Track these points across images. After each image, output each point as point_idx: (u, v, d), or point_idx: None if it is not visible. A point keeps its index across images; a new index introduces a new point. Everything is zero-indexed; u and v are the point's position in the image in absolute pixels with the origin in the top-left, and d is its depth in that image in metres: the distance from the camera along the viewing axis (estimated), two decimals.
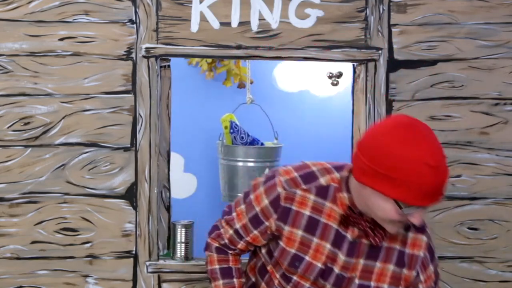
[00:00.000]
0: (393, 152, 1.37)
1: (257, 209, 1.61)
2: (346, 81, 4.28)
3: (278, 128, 3.54)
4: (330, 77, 4.37)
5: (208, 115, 3.86)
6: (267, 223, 1.60)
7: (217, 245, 1.74)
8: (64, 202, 2.50)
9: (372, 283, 1.55)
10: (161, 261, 2.52)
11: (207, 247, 1.78)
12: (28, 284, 2.50)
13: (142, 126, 2.51)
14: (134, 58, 2.51)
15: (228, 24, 2.52)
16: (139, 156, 2.51)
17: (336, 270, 1.55)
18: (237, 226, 1.67)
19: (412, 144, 1.38)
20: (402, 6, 2.56)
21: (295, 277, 1.59)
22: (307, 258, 1.55)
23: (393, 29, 2.55)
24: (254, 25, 2.53)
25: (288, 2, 2.52)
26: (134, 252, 2.51)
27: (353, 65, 2.62)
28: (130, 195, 2.51)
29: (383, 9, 2.55)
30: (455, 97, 2.57)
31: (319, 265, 1.54)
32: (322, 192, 1.54)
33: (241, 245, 1.69)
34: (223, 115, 3.75)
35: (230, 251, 1.73)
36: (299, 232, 1.55)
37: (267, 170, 3.00)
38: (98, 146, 2.51)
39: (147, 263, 2.50)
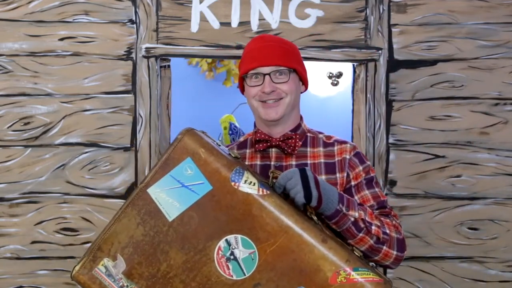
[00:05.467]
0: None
1: None
2: (346, 81, 4.29)
3: None
4: (330, 77, 4.37)
5: (208, 115, 3.87)
6: None
7: None
8: (64, 202, 2.51)
9: None
10: None
11: None
12: (28, 284, 2.50)
13: (142, 126, 2.51)
14: (134, 58, 2.51)
15: (228, 24, 2.53)
16: (139, 156, 2.51)
17: None
18: None
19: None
20: (402, 6, 2.56)
21: None
22: None
23: (393, 29, 2.56)
24: (254, 25, 2.53)
25: (288, 2, 2.53)
26: None
27: (353, 65, 2.62)
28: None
29: (383, 9, 2.55)
30: (455, 97, 2.57)
31: None
32: (242, 145, 1.81)
33: None
34: (223, 115, 3.75)
35: None
36: None
37: None
38: (98, 146, 2.52)
39: None
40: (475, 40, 2.56)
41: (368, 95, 2.55)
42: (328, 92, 4.41)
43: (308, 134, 1.78)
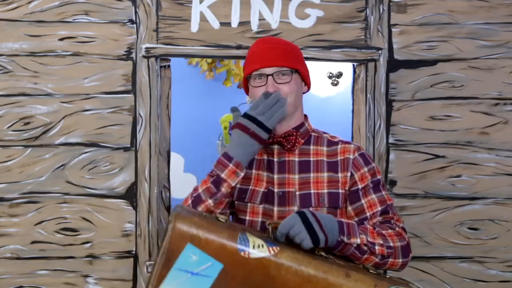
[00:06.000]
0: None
1: None
2: (346, 81, 4.29)
3: None
4: (330, 77, 4.37)
5: (208, 115, 3.87)
6: None
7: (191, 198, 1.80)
8: (64, 202, 2.50)
9: (312, 191, 1.73)
10: None
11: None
12: (28, 284, 2.50)
13: (142, 126, 2.51)
14: (134, 58, 2.51)
15: (228, 24, 2.53)
16: (139, 156, 2.51)
17: (275, 189, 1.74)
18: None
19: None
20: (402, 6, 2.56)
21: (247, 217, 1.76)
22: (250, 187, 1.78)
23: (393, 29, 2.56)
24: (254, 25, 2.53)
25: (288, 2, 2.53)
26: (134, 252, 2.52)
27: (353, 65, 2.62)
28: (130, 195, 2.51)
29: (383, 9, 2.55)
30: (455, 97, 2.57)
31: (262, 189, 1.76)
32: None
33: None
34: (223, 115, 3.75)
35: None
36: None
37: None
38: (98, 146, 2.52)
39: (147, 263, 2.50)
40: (475, 40, 2.56)
41: (368, 95, 2.55)
42: (328, 92, 4.41)
43: (312, 134, 1.82)
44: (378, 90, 2.55)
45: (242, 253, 1.41)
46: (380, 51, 2.54)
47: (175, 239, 1.40)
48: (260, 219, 1.75)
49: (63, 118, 2.51)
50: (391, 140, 2.56)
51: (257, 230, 1.60)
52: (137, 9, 2.52)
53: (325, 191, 1.72)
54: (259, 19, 2.53)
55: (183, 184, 3.79)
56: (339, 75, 4.32)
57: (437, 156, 2.56)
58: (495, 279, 2.56)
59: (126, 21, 2.52)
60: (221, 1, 2.52)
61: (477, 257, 2.56)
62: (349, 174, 1.73)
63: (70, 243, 2.50)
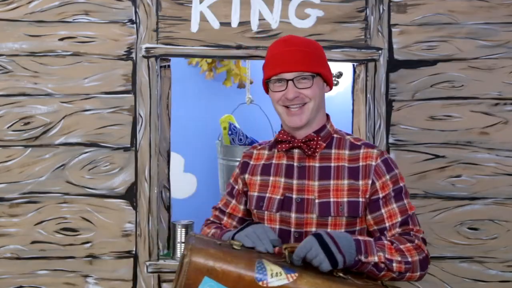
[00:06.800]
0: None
1: (231, 180, 1.90)
2: (346, 81, 4.28)
3: (277, 129, 3.51)
4: None
5: (208, 115, 3.86)
6: (236, 186, 1.87)
7: (204, 225, 1.92)
8: (64, 202, 2.50)
9: (332, 199, 1.68)
10: (161, 261, 2.52)
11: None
12: (28, 284, 2.50)
13: (142, 126, 2.51)
14: (134, 58, 2.51)
15: (228, 24, 2.53)
16: (139, 156, 2.51)
17: (294, 195, 1.71)
18: (220, 205, 1.92)
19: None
20: (402, 6, 2.56)
21: (265, 224, 1.74)
22: (267, 195, 1.75)
23: (393, 29, 2.56)
24: (254, 25, 2.53)
25: (288, 2, 2.53)
26: (134, 252, 2.52)
27: (353, 65, 2.62)
28: (130, 195, 2.51)
29: (383, 9, 2.55)
30: (455, 97, 2.57)
31: (278, 196, 1.72)
32: (272, 145, 1.83)
33: (225, 220, 1.89)
34: (223, 115, 3.74)
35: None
36: (258, 178, 1.79)
37: None
38: (98, 146, 2.52)
39: (147, 263, 2.50)
40: (475, 40, 2.56)
41: (368, 95, 2.55)
42: (328, 92, 4.41)
43: (335, 135, 1.77)
44: (378, 90, 2.55)
45: (260, 283, 1.38)
46: (380, 51, 2.54)
47: (191, 273, 1.37)
48: (278, 226, 1.72)
49: (63, 118, 2.51)
50: (391, 140, 2.56)
51: (272, 256, 1.55)
52: (137, 9, 2.52)
53: (345, 199, 1.68)
54: (259, 19, 2.53)
55: (183, 184, 3.78)
56: (339, 75, 4.31)
57: (437, 156, 2.56)
58: (495, 279, 2.56)
59: (126, 21, 2.52)
60: (221, 1, 2.52)
61: (477, 257, 2.56)
62: (370, 181, 1.68)
63: (70, 243, 2.50)
